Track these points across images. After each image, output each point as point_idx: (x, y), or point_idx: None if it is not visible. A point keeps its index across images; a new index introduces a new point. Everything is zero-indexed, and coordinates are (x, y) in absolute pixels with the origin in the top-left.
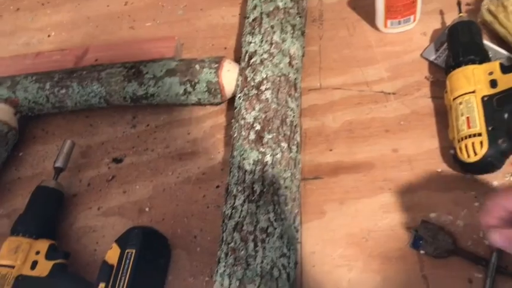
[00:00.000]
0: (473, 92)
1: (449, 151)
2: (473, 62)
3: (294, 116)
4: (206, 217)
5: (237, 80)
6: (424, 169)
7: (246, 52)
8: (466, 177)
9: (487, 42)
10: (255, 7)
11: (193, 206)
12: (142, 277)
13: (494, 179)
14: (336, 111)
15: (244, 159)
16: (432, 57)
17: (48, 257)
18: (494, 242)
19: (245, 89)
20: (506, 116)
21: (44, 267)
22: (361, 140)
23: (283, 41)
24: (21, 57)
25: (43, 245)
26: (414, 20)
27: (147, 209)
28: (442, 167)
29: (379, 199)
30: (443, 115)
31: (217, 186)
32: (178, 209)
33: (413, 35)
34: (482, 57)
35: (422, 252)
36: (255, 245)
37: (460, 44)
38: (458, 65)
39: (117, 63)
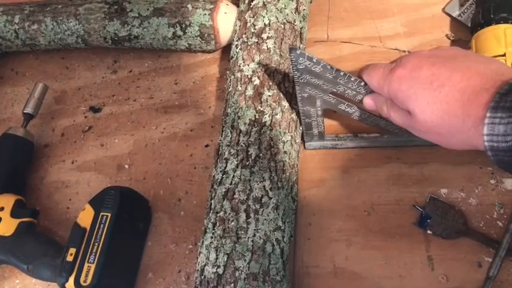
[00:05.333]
0: (504, 55)
1: None
2: (505, 21)
3: None
4: (192, 178)
5: (235, 25)
6: None
7: None
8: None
9: None
10: None
11: (178, 166)
12: (118, 243)
13: None
14: (344, 68)
15: (239, 117)
16: (456, 13)
17: (14, 214)
18: (365, 105)
19: (244, 36)
20: None
21: (9, 226)
22: None
23: None
24: None
25: (8, 200)
26: None
27: (126, 166)
28: None
29: (386, 169)
30: None
31: (207, 145)
32: (162, 168)
33: None
34: None
35: (429, 232)
36: (247, 216)
37: None
38: (487, 23)
39: None
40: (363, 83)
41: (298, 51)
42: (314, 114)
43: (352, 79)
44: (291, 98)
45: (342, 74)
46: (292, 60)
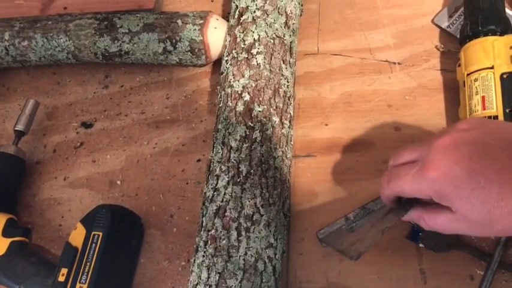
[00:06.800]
0: (492, 67)
1: None
2: (493, 33)
3: (288, 85)
4: (185, 194)
5: (225, 40)
6: None
7: (236, 7)
8: None
9: (509, 11)
10: None
11: (170, 181)
12: (111, 262)
13: None
14: (334, 81)
15: (229, 134)
16: (445, 24)
17: (6, 233)
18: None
19: (234, 51)
20: None
21: (0, 245)
22: (361, 115)
23: None
24: None
25: (0, 219)
26: None
27: (118, 182)
28: None
29: (378, 183)
30: (453, 91)
31: (199, 160)
32: (154, 184)
33: None
34: (505, 27)
35: (421, 245)
36: (239, 234)
37: (480, 11)
38: (476, 35)
39: (87, 14)
40: (384, 208)
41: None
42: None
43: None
44: (282, 113)
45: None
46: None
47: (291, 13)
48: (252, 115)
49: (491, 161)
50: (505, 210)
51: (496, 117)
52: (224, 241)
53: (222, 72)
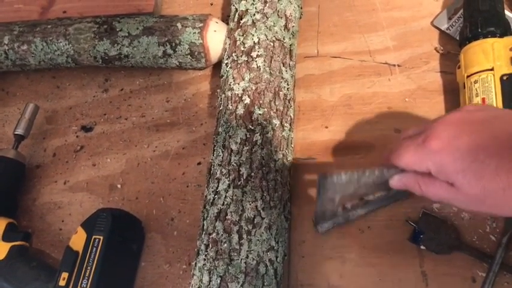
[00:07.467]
0: (492, 69)
1: None
2: (493, 35)
3: (288, 88)
4: (185, 197)
5: (225, 43)
6: None
7: (236, 10)
8: None
9: (508, 13)
10: None
11: (170, 184)
12: (112, 266)
13: None
14: (334, 83)
15: (230, 137)
16: (444, 26)
17: (6, 238)
18: (394, 187)
19: (233, 54)
20: None
21: (1, 250)
22: (361, 118)
23: None
24: None
25: (0, 224)
26: None
27: (119, 186)
28: None
29: None
30: (453, 93)
31: (199, 163)
32: (154, 187)
33: None
34: (504, 29)
35: (423, 247)
36: (240, 237)
37: (479, 13)
38: (475, 37)
39: (87, 17)
40: (385, 170)
41: (327, 179)
42: (330, 210)
43: (377, 172)
44: (282, 116)
45: (366, 174)
46: (320, 183)
47: (291, 16)
48: (253, 118)
49: (493, 138)
50: (499, 185)
51: None
52: (225, 244)
53: (222, 75)
